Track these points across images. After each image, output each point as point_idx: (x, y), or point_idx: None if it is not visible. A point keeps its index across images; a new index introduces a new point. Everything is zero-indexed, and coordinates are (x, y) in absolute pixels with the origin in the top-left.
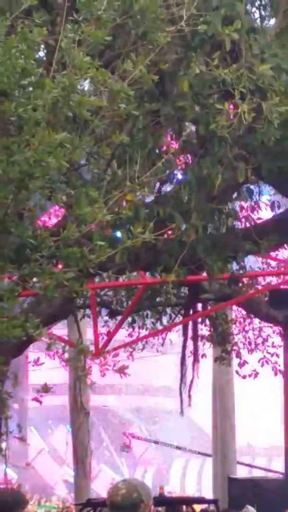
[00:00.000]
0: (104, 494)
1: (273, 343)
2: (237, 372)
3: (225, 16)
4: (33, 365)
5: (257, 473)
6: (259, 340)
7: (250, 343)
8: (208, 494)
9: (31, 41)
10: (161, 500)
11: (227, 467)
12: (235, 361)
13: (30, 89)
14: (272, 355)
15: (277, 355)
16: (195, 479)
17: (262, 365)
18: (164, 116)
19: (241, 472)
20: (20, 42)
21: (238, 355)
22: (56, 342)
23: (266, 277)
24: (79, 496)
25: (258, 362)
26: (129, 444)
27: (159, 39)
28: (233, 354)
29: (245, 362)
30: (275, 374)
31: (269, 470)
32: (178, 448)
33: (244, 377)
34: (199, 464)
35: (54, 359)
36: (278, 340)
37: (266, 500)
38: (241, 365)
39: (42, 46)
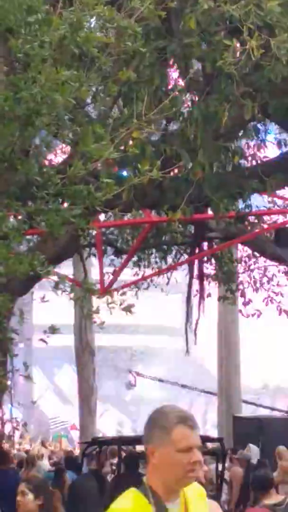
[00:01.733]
0: (109, 433)
1: (278, 282)
2: (240, 311)
3: None
4: (39, 302)
5: (263, 412)
6: (264, 280)
7: (255, 282)
8: (214, 433)
9: None
10: None
11: (232, 406)
12: (240, 301)
13: (37, 26)
14: (276, 294)
15: (282, 295)
16: (200, 418)
17: (267, 304)
18: (170, 53)
19: (247, 411)
20: None
21: (243, 294)
22: (63, 281)
23: (272, 215)
24: (84, 435)
25: (263, 301)
26: (134, 382)
27: None
28: (238, 293)
29: (249, 301)
30: (280, 313)
31: (274, 409)
32: (183, 386)
33: (247, 316)
34: (204, 403)
35: (61, 296)
36: (283, 280)
37: (271, 438)
38: (245, 303)
39: None
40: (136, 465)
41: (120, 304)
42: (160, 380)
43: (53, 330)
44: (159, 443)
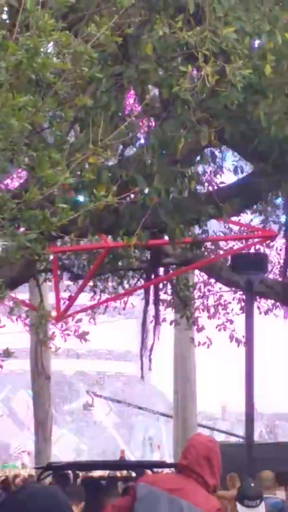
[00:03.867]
0: (65, 458)
1: (232, 309)
2: (192, 339)
3: None
4: None
5: (218, 438)
6: (219, 307)
7: (209, 310)
8: (169, 459)
9: None
10: (121, 464)
11: (188, 431)
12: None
13: None
14: (230, 322)
15: (231, 322)
16: (155, 443)
17: (220, 330)
18: (127, 78)
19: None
20: None
21: (195, 321)
22: (19, 306)
23: (228, 242)
24: (39, 460)
25: (216, 328)
26: (91, 403)
27: (123, 2)
28: (191, 320)
29: (203, 328)
30: (231, 341)
31: (231, 434)
32: (139, 408)
33: (198, 345)
34: (160, 428)
35: (16, 322)
36: (236, 308)
37: (226, 464)
38: (199, 330)
39: (5, 8)
40: (97, 490)
41: (75, 332)
42: (118, 401)
43: (7, 354)
44: None
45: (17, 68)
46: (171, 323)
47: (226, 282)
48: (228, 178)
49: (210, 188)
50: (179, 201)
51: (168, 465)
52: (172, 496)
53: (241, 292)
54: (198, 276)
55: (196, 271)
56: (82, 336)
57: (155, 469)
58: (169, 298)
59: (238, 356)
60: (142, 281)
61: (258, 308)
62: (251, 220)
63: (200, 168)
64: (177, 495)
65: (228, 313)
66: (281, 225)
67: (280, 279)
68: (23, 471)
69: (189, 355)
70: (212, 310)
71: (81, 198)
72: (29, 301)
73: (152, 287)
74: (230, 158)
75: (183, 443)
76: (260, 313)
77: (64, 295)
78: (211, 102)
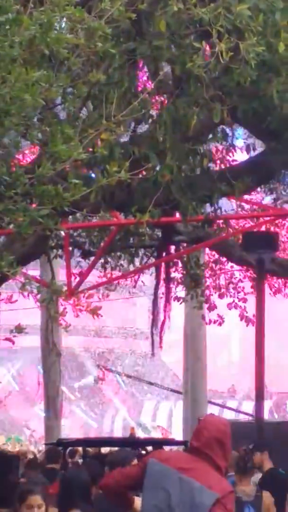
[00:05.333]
0: (74, 435)
1: (243, 288)
2: (203, 317)
3: None
4: (6, 303)
5: (228, 415)
6: (230, 286)
7: (220, 288)
8: (179, 436)
9: None
10: (131, 441)
11: (198, 409)
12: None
13: (7, 26)
14: (240, 300)
15: (245, 301)
16: (166, 420)
17: (230, 309)
18: (140, 55)
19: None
20: None
21: (208, 299)
22: (30, 282)
23: (240, 220)
24: (49, 436)
25: (227, 306)
26: (102, 377)
27: None
28: (203, 298)
29: (214, 307)
30: (241, 319)
31: (240, 412)
32: (150, 383)
33: (209, 322)
34: (170, 406)
35: (28, 298)
36: (248, 286)
37: (235, 442)
38: (210, 308)
39: None
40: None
41: (87, 307)
42: (128, 376)
43: (19, 329)
44: None
45: (30, 43)
46: (178, 300)
47: (237, 260)
48: (240, 156)
49: (223, 166)
50: (191, 178)
51: (178, 443)
52: (183, 476)
53: (252, 271)
54: (209, 255)
55: (207, 250)
56: (94, 311)
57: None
58: (179, 276)
59: (248, 335)
60: (153, 259)
61: (269, 287)
62: (263, 198)
63: (212, 146)
64: (189, 475)
65: (239, 292)
66: None
67: None
68: (31, 446)
69: (199, 333)
70: (223, 289)
71: (93, 174)
72: (40, 277)
73: (163, 265)
74: (242, 136)
75: (192, 420)
76: (270, 292)
77: (75, 271)
78: (224, 79)
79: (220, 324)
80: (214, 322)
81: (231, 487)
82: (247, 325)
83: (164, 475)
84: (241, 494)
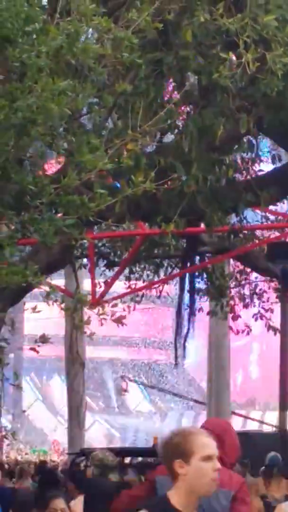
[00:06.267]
0: (98, 445)
1: (268, 298)
2: (230, 327)
3: None
4: (31, 312)
5: (252, 426)
6: (255, 296)
7: (245, 298)
8: None
9: None
10: (154, 450)
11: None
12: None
13: (34, 35)
14: (266, 310)
15: (272, 311)
16: None
17: (256, 319)
18: (166, 65)
19: (236, 426)
20: None
21: (233, 309)
22: (55, 291)
23: (265, 230)
24: (72, 446)
25: (252, 317)
26: (126, 388)
27: None
28: (228, 309)
29: (239, 317)
30: (268, 330)
31: (264, 423)
32: (174, 394)
33: (237, 332)
34: (193, 416)
35: (53, 306)
36: (273, 297)
37: (260, 453)
38: (235, 318)
39: None
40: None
41: (111, 316)
42: (152, 387)
43: (44, 339)
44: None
45: (57, 53)
46: (208, 314)
47: (262, 271)
48: (266, 166)
49: (248, 176)
50: (217, 188)
51: None
52: None
53: (277, 282)
54: (233, 265)
55: (232, 261)
56: (119, 320)
57: None
58: (204, 287)
59: (269, 346)
60: (178, 269)
61: None
62: None
63: (238, 156)
64: None
65: (264, 302)
66: None
67: None
68: (55, 455)
69: (223, 343)
70: (247, 299)
71: (119, 184)
72: (64, 287)
73: (187, 275)
74: (268, 147)
75: None
76: None
77: (100, 281)
78: (250, 90)
79: (248, 333)
80: (242, 332)
81: (242, 478)
82: (275, 334)
83: None
84: (270, 499)
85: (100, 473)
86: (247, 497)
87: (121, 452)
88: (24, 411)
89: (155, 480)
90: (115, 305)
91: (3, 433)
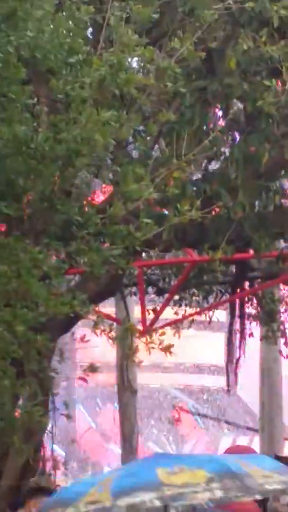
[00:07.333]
0: None
1: None
2: (280, 352)
3: None
4: (79, 342)
5: None
6: None
7: None
8: None
9: (78, 19)
10: None
11: (275, 445)
12: (281, 341)
13: (78, 67)
14: None
15: None
16: None
17: None
18: (211, 93)
19: None
20: (68, 20)
21: (284, 334)
22: (103, 320)
23: None
24: None
25: None
26: (178, 418)
27: (206, 17)
28: (279, 333)
29: None
30: None
31: None
32: (227, 423)
33: (287, 357)
34: (246, 442)
35: (101, 336)
36: None
37: None
38: (286, 344)
39: (90, 23)
40: None
41: (159, 344)
42: (204, 416)
43: (93, 369)
44: None
45: (101, 83)
46: (261, 339)
47: None
48: None
49: None
50: (264, 215)
51: None
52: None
53: None
54: (284, 289)
55: (282, 285)
56: (167, 349)
57: None
58: (254, 312)
59: None
60: (227, 295)
61: None
62: None
63: (284, 182)
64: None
65: None
66: None
67: None
68: None
69: (275, 368)
70: None
71: (165, 212)
72: (115, 315)
73: (237, 301)
74: None
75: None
76: None
77: (149, 307)
78: None
79: None
80: None
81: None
82: None
83: None
84: None
85: None
86: None
87: None
88: (73, 441)
89: None
90: (163, 334)
91: (56, 461)
